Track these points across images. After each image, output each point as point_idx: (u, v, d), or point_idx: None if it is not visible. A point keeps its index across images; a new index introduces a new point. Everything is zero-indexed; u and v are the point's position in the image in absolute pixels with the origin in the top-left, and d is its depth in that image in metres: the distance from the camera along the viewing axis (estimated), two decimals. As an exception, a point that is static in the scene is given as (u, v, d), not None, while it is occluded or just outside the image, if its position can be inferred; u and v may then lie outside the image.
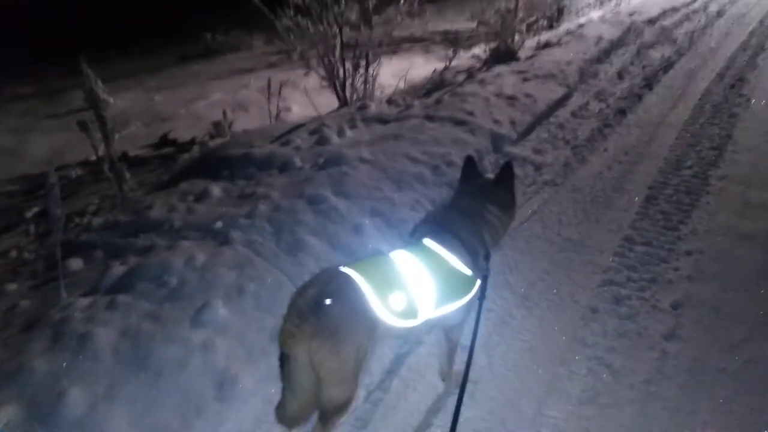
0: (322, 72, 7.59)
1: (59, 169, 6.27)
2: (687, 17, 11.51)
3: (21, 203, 5.94)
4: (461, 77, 7.87)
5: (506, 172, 2.60)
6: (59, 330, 2.78)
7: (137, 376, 2.55)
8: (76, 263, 3.68)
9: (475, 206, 2.51)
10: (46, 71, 12.31)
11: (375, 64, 7.65)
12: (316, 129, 5.76)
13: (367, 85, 7.63)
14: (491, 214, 2.51)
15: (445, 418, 2.56)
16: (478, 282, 2.39)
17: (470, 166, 2.70)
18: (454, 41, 11.27)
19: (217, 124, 7.47)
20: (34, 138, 8.22)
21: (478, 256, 2.39)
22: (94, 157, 5.80)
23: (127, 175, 5.12)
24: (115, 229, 4.14)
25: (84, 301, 3.03)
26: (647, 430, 2.49)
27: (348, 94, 7.54)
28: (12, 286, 3.60)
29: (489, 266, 2.44)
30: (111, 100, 5.14)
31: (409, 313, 2.16)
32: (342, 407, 2.12)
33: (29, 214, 5.48)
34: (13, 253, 4.41)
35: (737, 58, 8.49)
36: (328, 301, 1.96)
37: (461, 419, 1.99)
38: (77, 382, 2.48)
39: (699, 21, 11.30)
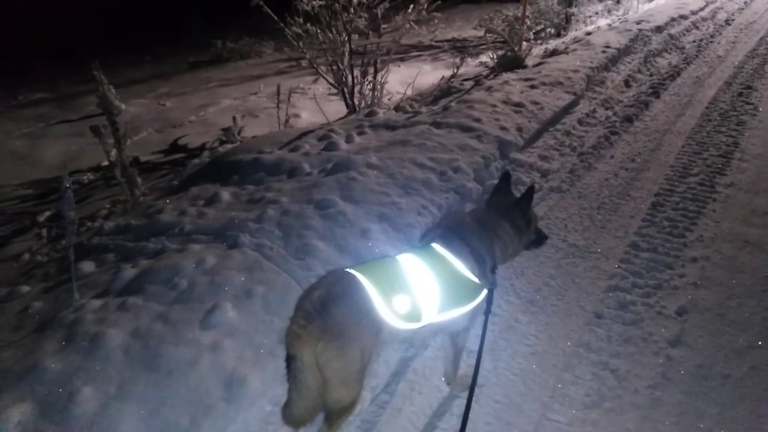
0: (331, 79, 7.68)
1: (72, 173, 6.37)
2: (695, 25, 11.51)
3: (34, 207, 6.04)
4: (468, 84, 7.91)
5: (526, 196, 2.61)
6: (71, 331, 2.84)
7: (148, 376, 2.60)
8: (88, 266, 3.74)
9: (492, 218, 2.54)
10: (59, 77, 12.52)
11: (383, 72, 7.73)
12: (325, 135, 5.82)
13: (375, 92, 7.70)
14: (504, 231, 2.53)
15: (450, 422, 2.59)
16: (484, 291, 2.41)
17: (506, 181, 2.73)
18: (461, 49, 11.35)
19: (226, 130, 7.59)
20: (46, 143, 8.36)
21: (485, 265, 2.41)
22: (106, 162, 5.90)
23: (139, 180, 5.20)
24: (126, 233, 4.22)
25: (96, 303, 3.09)
26: (651, 435, 2.50)
27: (356, 100, 7.62)
28: (25, 288, 3.67)
29: (495, 279, 2.46)
30: (123, 106, 5.24)
31: (413, 315, 2.20)
32: (347, 408, 2.16)
33: (42, 218, 5.57)
34: (26, 256, 4.49)
35: (745, 67, 8.48)
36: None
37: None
38: (89, 382, 2.54)
39: (707, 29, 11.30)
